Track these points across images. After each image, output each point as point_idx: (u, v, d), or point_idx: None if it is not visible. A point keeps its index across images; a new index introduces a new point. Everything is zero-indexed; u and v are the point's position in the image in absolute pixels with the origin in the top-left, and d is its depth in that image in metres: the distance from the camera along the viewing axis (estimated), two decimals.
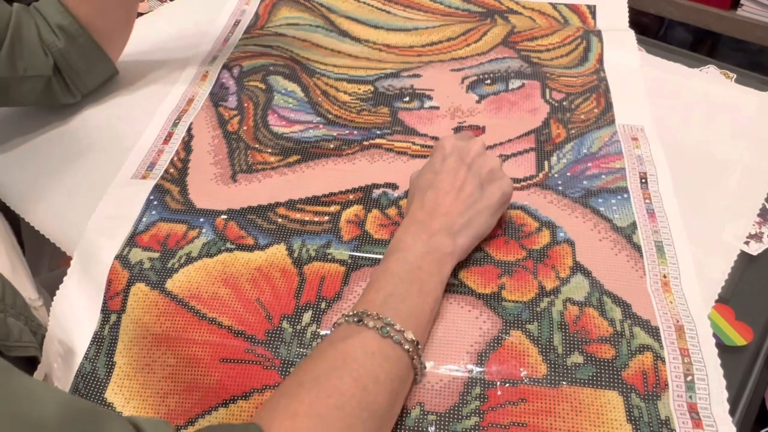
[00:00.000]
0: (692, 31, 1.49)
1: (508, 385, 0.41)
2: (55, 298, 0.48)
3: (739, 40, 1.28)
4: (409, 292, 0.41)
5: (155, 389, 0.43)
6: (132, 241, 0.50)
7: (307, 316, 0.44)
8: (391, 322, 0.39)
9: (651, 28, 1.51)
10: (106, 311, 0.46)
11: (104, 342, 0.45)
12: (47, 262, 0.80)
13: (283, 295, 0.46)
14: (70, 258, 0.51)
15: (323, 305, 0.45)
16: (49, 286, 0.66)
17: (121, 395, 0.43)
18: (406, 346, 0.38)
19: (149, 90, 0.65)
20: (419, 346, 0.39)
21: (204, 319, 0.45)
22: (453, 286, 0.46)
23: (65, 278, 0.49)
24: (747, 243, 0.51)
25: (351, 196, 0.53)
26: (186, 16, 0.77)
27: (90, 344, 0.45)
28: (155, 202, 0.53)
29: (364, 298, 0.41)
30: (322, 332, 0.44)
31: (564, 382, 0.41)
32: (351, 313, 0.40)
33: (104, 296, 0.47)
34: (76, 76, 0.62)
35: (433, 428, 0.39)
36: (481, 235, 0.47)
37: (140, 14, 0.78)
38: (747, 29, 1.22)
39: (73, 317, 0.47)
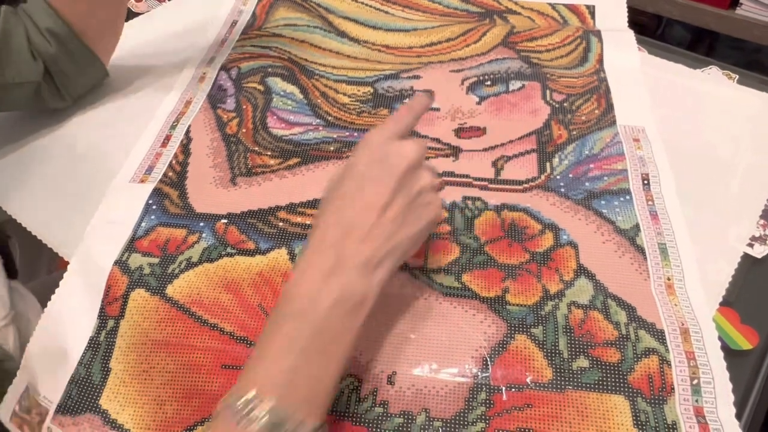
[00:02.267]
0: (690, 30, 1.48)
1: (513, 390, 0.40)
2: (49, 303, 0.47)
3: (737, 38, 1.28)
4: (312, 364, 0.34)
5: (152, 396, 0.43)
6: (131, 246, 0.49)
7: None
8: (288, 416, 0.32)
9: (649, 27, 1.51)
10: (103, 316, 0.46)
11: (100, 347, 0.45)
12: (45, 265, 0.80)
13: None
14: (67, 261, 0.50)
15: None
16: (48, 289, 0.65)
17: (116, 402, 0.43)
18: None
19: (146, 92, 0.65)
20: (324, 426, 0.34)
21: (205, 325, 0.44)
22: (457, 290, 0.45)
23: (61, 282, 0.48)
24: (751, 245, 0.51)
25: None
26: (183, 17, 0.76)
27: (85, 350, 0.45)
28: (154, 207, 0.53)
29: (256, 370, 0.34)
30: None
31: (570, 387, 0.40)
32: (241, 400, 0.33)
33: (102, 301, 0.46)
34: (67, 80, 0.61)
35: None
36: (395, 267, 0.38)
37: (137, 14, 0.77)
38: (745, 28, 1.22)
39: (68, 323, 0.47)
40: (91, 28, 0.61)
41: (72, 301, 0.48)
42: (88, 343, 0.45)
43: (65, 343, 0.46)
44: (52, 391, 0.44)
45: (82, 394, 0.44)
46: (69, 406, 0.43)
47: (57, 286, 0.49)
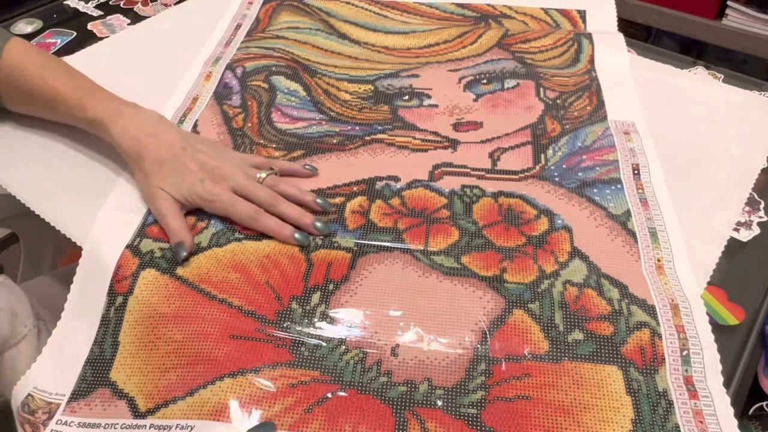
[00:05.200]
0: (679, 41, 1.52)
1: (511, 361, 0.42)
2: (68, 296, 0.49)
3: (724, 50, 1.32)
4: None
5: (157, 365, 0.44)
6: (142, 231, 0.51)
7: (315, 297, 0.46)
8: None
9: (638, 38, 1.55)
10: (112, 293, 0.47)
11: (110, 323, 0.46)
12: (48, 261, 0.81)
13: (291, 278, 0.47)
14: (70, 257, 0.51)
15: (331, 287, 0.47)
16: (56, 282, 0.67)
17: (124, 372, 0.44)
18: None
19: (154, 89, 0.66)
20: None
21: (214, 300, 0.46)
22: (457, 270, 0.47)
23: (78, 269, 0.50)
24: (737, 230, 0.53)
25: (355, 188, 0.55)
26: (188, 21, 0.79)
27: (99, 327, 0.46)
28: None
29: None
30: (331, 312, 0.45)
31: (565, 358, 0.42)
32: None
33: (111, 279, 0.48)
34: None
35: (441, 402, 0.40)
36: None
37: (145, 17, 0.80)
38: (732, 38, 1.26)
39: (84, 307, 0.48)
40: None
41: (87, 288, 0.49)
42: (101, 320, 0.47)
43: (82, 328, 0.47)
44: (64, 383, 0.45)
45: (95, 372, 0.45)
46: (82, 390, 0.44)
47: (60, 281, 0.50)
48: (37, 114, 0.61)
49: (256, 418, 0.40)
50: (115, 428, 0.42)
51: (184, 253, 0.47)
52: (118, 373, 0.44)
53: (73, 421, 0.43)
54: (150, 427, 0.41)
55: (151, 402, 0.43)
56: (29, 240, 0.80)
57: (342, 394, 0.41)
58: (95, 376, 0.45)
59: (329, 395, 0.41)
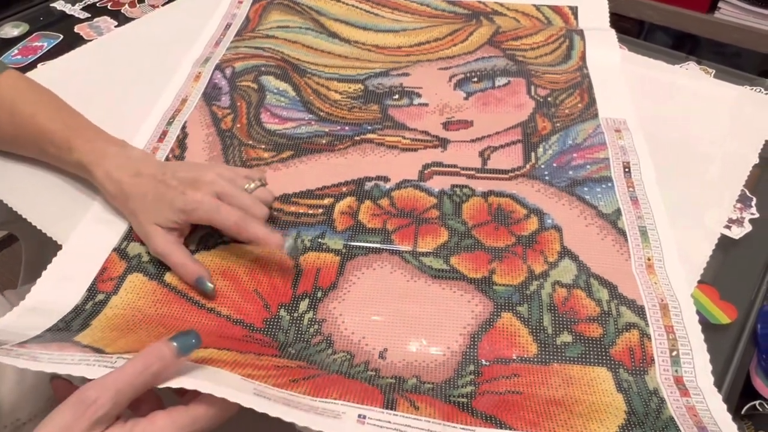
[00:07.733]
0: (671, 36, 1.52)
1: (500, 364, 0.42)
2: (39, 280, 0.47)
3: (717, 44, 1.31)
4: None
5: (133, 340, 0.41)
6: (130, 235, 0.51)
7: (303, 304, 0.45)
8: None
9: (631, 33, 1.54)
10: (93, 290, 0.46)
11: (83, 312, 0.45)
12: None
13: (280, 285, 0.47)
14: None
15: (319, 294, 0.46)
16: None
17: (90, 339, 0.41)
18: None
19: (143, 90, 0.66)
20: None
21: (203, 309, 0.45)
22: (445, 272, 0.47)
23: (54, 259, 0.48)
24: (729, 228, 0.53)
25: (344, 189, 0.54)
26: (178, 20, 0.78)
27: (68, 313, 0.45)
28: None
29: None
30: (319, 318, 0.45)
31: (554, 361, 0.42)
32: None
33: (95, 278, 0.47)
34: None
35: (430, 393, 0.40)
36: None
37: (132, 19, 0.79)
38: (725, 31, 1.26)
39: (55, 294, 0.46)
40: None
41: (62, 275, 0.48)
42: (72, 309, 0.45)
43: (44, 314, 0.44)
44: (15, 335, 0.41)
45: (54, 335, 0.42)
46: (35, 339, 0.41)
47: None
48: (28, 154, 0.57)
49: (236, 381, 0.36)
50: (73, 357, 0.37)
51: (209, 284, 0.46)
52: (84, 338, 0.41)
53: (19, 351, 0.37)
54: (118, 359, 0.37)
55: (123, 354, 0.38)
56: (30, 244, 0.80)
57: (329, 376, 0.40)
58: (54, 338, 0.41)
59: (315, 375, 0.40)
